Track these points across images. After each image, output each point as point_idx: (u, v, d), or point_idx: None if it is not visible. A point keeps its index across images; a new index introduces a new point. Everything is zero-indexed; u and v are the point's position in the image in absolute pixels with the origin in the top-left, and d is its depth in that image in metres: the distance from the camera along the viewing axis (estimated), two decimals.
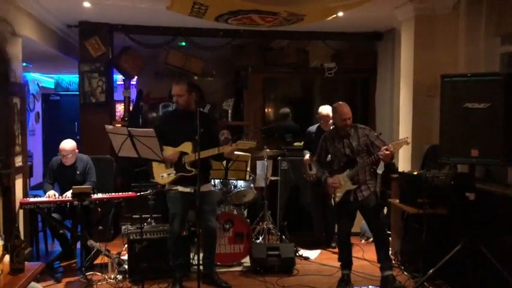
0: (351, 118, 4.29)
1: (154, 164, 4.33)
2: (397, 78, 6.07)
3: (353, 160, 4.29)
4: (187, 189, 4.28)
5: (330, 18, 5.21)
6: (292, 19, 4.96)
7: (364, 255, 5.29)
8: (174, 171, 4.26)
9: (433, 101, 5.15)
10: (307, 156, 5.58)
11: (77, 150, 5.09)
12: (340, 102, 4.40)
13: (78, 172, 5.09)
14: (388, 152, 4.07)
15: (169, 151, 4.26)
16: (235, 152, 4.41)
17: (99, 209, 5.34)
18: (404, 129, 5.51)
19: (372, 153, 4.23)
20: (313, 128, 5.69)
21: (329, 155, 4.49)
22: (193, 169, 4.18)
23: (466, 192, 4.09)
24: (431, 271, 4.13)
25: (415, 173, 4.70)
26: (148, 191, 5.50)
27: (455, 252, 4.06)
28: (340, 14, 5.20)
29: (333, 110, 4.44)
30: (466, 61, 5.01)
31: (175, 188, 4.32)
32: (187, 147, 4.25)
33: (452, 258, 4.08)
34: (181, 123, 4.34)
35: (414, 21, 5.26)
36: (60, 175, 5.11)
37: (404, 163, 5.38)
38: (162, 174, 4.30)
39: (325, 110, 5.32)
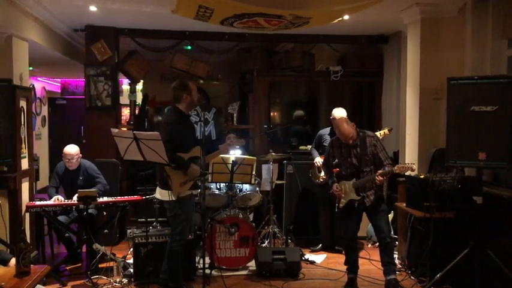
0: (353, 135, 4.27)
1: (172, 174, 4.09)
2: (404, 81, 6.05)
3: (360, 170, 4.28)
4: (197, 191, 4.32)
5: (335, 21, 5.21)
6: (297, 22, 4.95)
7: (371, 259, 5.26)
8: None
9: (439, 104, 5.12)
10: (317, 158, 5.53)
11: (80, 155, 5.12)
12: (340, 118, 4.45)
13: (80, 178, 5.12)
14: (381, 178, 4.16)
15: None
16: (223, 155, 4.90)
17: (105, 213, 5.36)
18: (411, 133, 5.48)
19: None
20: (325, 131, 5.62)
21: (336, 159, 4.52)
22: (206, 171, 4.40)
23: (474, 195, 4.07)
24: (438, 275, 4.10)
25: (422, 176, 4.68)
26: (154, 195, 5.51)
27: (462, 256, 4.03)
28: (346, 17, 5.20)
29: (334, 125, 4.49)
30: (472, 64, 4.99)
31: (189, 192, 4.19)
32: (197, 151, 4.20)
33: (460, 263, 4.05)
34: (188, 128, 4.32)
35: (420, 24, 5.24)
36: (65, 180, 5.16)
37: None
38: (182, 181, 4.12)
39: (338, 113, 5.19)
